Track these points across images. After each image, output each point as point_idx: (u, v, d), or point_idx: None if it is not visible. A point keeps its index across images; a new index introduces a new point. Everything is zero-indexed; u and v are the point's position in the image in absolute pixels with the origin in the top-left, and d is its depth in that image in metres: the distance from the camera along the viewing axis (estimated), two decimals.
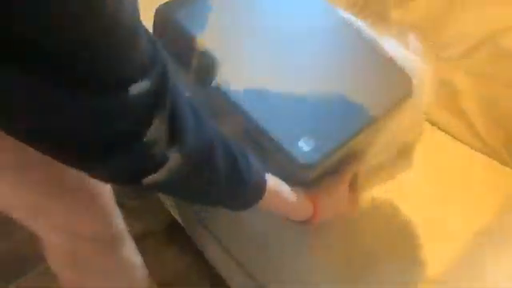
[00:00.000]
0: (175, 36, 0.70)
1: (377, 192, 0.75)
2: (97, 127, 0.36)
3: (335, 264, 0.72)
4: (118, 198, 1.22)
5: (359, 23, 0.71)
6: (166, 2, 0.72)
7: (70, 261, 0.74)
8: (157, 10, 0.72)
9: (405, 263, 0.72)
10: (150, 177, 0.41)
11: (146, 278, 0.84)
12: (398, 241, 0.75)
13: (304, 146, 0.59)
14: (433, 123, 0.86)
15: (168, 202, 1.03)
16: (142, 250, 0.84)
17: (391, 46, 0.68)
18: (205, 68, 0.66)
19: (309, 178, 0.62)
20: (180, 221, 1.03)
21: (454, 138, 0.86)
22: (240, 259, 0.83)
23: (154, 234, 1.25)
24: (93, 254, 0.73)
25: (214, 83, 0.64)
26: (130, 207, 1.22)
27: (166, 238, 1.25)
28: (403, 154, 0.72)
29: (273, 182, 0.58)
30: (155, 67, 0.38)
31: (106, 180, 0.45)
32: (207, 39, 0.67)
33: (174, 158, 0.41)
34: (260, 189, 0.55)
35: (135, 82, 0.36)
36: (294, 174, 0.60)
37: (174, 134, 0.40)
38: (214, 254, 0.93)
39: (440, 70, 0.80)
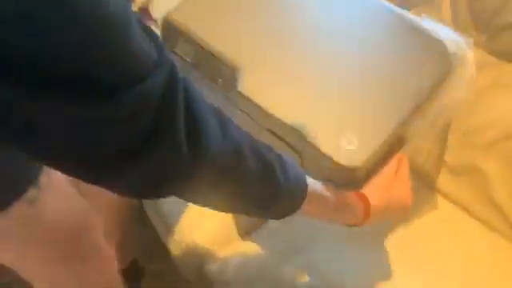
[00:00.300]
0: (187, 44, 0.65)
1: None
2: (114, 135, 0.34)
3: None
4: (139, 261, 1.19)
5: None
6: (173, 10, 0.67)
7: None
8: (164, 19, 0.67)
9: None
10: (176, 183, 0.40)
11: None
12: None
13: (346, 145, 0.53)
14: (464, 209, 0.82)
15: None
16: None
17: (429, 23, 0.62)
18: (225, 75, 0.60)
19: (357, 181, 0.55)
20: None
21: (486, 225, 0.81)
22: None
23: None
24: None
25: (237, 90, 0.59)
26: (151, 271, 1.21)
27: None
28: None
29: (315, 185, 0.52)
30: (162, 69, 0.35)
31: (133, 192, 0.41)
32: (222, 44, 0.62)
33: (198, 164, 0.39)
34: (300, 193, 0.49)
35: (139, 85, 0.33)
36: (340, 178, 0.54)
37: (194, 138, 0.38)
38: None
39: (470, 157, 0.80)
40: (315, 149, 0.54)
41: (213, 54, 0.62)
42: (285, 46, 0.61)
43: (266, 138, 0.59)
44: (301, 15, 0.65)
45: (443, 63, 0.59)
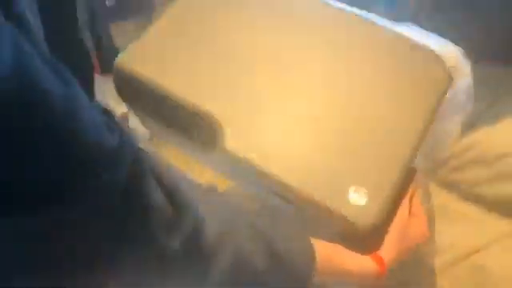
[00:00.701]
0: (146, 94, 0.55)
1: None
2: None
3: None
4: None
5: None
6: (121, 55, 0.56)
7: None
8: (116, 65, 0.56)
9: None
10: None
11: None
12: None
13: (355, 199, 0.47)
14: None
15: None
16: None
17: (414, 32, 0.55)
18: (202, 132, 0.52)
19: (371, 237, 0.50)
20: None
21: None
22: None
23: None
24: None
25: (219, 147, 0.51)
26: None
27: None
28: None
29: (323, 248, 0.49)
30: (123, 160, 0.33)
31: None
32: (187, 92, 0.53)
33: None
34: (308, 261, 0.47)
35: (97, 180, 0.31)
36: (352, 236, 0.48)
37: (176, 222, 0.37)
38: None
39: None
40: (324, 208, 0.48)
41: (182, 104, 0.53)
42: (264, 86, 0.53)
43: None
44: (277, 39, 0.56)
45: (444, 80, 0.53)
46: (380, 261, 0.52)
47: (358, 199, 0.47)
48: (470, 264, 0.81)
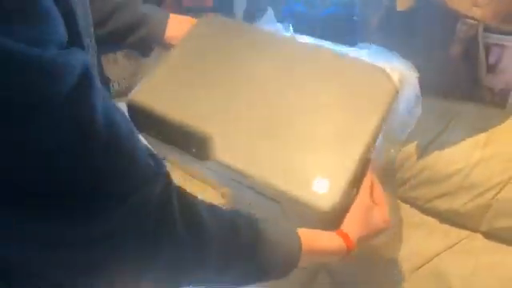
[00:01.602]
0: (156, 123, 0.70)
1: None
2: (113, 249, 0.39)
3: None
4: None
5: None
6: (134, 92, 0.72)
7: None
8: (128, 102, 0.72)
9: None
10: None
11: None
12: None
13: (319, 189, 0.61)
14: None
15: None
16: None
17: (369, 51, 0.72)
18: (197, 146, 0.67)
19: (334, 220, 0.63)
20: None
21: None
22: None
23: None
24: None
25: (212, 157, 0.65)
26: None
27: None
28: None
29: (305, 236, 0.58)
30: (158, 179, 0.42)
31: None
32: (188, 118, 0.68)
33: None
34: (295, 250, 0.56)
35: (137, 196, 0.39)
36: (318, 221, 0.62)
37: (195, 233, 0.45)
38: None
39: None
40: (293, 199, 0.61)
41: (182, 127, 0.68)
42: (245, 109, 0.69)
43: (247, 195, 0.65)
44: (254, 79, 0.72)
45: (391, 91, 0.69)
46: (346, 237, 0.62)
47: (320, 188, 0.61)
48: (429, 269, 0.93)
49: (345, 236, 0.63)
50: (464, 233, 0.94)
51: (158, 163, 0.43)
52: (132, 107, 0.71)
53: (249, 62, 0.73)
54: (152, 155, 0.43)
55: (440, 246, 0.94)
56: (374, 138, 0.66)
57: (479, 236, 0.93)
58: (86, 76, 0.34)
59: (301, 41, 0.77)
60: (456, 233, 0.95)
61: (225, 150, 0.66)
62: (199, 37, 0.78)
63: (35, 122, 0.31)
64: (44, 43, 0.32)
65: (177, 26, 0.81)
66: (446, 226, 0.96)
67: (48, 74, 0.31)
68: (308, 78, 0.71)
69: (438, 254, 0.93)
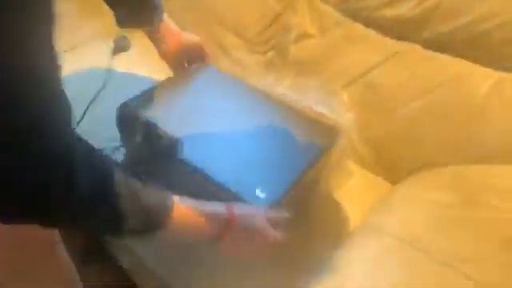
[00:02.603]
0: (140, 127, 0.85)
1: None
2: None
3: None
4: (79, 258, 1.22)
5: (280, 90, 0.89)
6: (127, 101, 0.87)
7: None
8: (119, 108, 0.87)
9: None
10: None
11: None
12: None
13: (260, 194, 0.74)
14: None
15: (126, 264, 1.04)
16: None
17: (315, 101, 0.85)
18: (169, 148, 0.81)
19: None
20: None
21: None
22: None
23: None
24: None
25: (178, 157, 0.79)
26: (90, 270, 1.24)
27: None
28: None
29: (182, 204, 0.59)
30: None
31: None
32: (168, 125, 0.81)
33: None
34: (164, 209, 0.57)
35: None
36: None
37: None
38: None
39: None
40: (239, 198, 0.73)
41: (158, 130, 0.79)
42: (212, 123, 0.83)
43: (203, 195, 0.78)
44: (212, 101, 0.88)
45: (330, 131, 0.81)
46: (231, 210, 0.63)
47: (261, 193, 0.74)
48: (365, 82, 0.98)
49: (231, 208, 0.64)
50: (404, 44, 0.97)
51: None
52: (121, 112, 0.86)
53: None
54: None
55: (378, 58, 0.98)
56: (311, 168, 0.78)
57: (418, 47, 0.96)
58: None
59: None
60: (396, 45, 0.97)
61: (190, 151, 0.78)
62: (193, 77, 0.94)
63: None
64: None
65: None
66: (386, 39, 0.98)
67: None
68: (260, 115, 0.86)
69: (376, 67, 0.98)
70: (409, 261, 0.68)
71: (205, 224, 0.62)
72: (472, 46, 0.91)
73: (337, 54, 1.04)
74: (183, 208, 0.60)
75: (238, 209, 0.66)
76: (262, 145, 0.82)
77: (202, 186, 0.75)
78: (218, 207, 0.64)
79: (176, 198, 0.59)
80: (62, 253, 0.82)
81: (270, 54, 1.18)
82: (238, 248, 0.67)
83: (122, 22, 0.88)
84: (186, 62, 0.97)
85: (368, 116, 0.97)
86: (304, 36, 1.12)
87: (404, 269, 0.67)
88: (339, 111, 0.83)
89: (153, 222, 0.56)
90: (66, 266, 0.84)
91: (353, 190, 0.94)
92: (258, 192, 0.73)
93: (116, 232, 0.58)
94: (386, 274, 0.67)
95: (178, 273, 0.83)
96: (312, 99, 0.86)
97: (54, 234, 0.80)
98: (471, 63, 0.91)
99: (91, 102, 0.96)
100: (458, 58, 0.92)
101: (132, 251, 0.91)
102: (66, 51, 0.98)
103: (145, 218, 0.55)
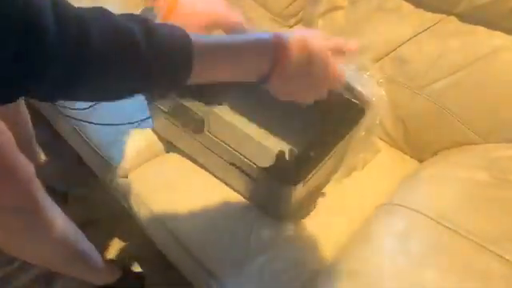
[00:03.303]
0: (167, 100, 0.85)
1: None
2: None
3: None
4: (62, 186, 1.28)
5: None
6: None
7: None
8: None
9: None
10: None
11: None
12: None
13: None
14: None
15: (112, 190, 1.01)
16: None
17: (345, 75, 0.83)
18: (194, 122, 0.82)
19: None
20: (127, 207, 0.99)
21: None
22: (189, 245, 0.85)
23: (97, 222, 1.26)
24: (16, 223, 0.75)
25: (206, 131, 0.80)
26: (74, 196, 1.30)
27: (110, 227, 1.27)
28: None
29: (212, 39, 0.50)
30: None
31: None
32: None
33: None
34: (184, 53, 0.47)
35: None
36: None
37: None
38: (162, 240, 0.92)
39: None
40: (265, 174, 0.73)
41: (186, 106, 0.83)
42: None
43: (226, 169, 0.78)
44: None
45: (359, 106, 0.79)
46: (280, 40, 0.52)
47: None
48: (395, 56, 0.94)
49: (279, 38, 0.52)
50: (438, 16, 0.92)
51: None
52: None
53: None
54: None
55: (409, 32, 0.94)
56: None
57: (453, 19, 0.91)
58: None
59: None
60: (429, 17, 0.93)
61: (215, 127, 0.80)
62: None
63: None
64: None
65: None
66: (420, 11, 0.94)
67: None
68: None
69: (406, 41, 0.94)
70: (436, 238, 0.66)
71: (245, 55, 0.51)
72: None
73: (366, 26, 1.00)
74: (204, 41, 0.49)
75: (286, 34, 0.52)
76: (289, 117, 0.81)
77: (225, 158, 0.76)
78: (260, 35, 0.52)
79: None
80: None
81: (298, 26, 1.16)
82: (292, 83, 0.54)
83: None
84: None
85: (396, 92, 0.94)
86: (333, 8, 1.09)
87: (431, 245, 0.66)
88: (370, 86, 0.80)
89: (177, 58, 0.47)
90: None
91: (380, 166, 0.93)
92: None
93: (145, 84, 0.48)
94: (412, 249, 0.65)
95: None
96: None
97: None
98: (510, 36, 0.86)
99: None
100: (497, 32, 0.87)
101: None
102: None
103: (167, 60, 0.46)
